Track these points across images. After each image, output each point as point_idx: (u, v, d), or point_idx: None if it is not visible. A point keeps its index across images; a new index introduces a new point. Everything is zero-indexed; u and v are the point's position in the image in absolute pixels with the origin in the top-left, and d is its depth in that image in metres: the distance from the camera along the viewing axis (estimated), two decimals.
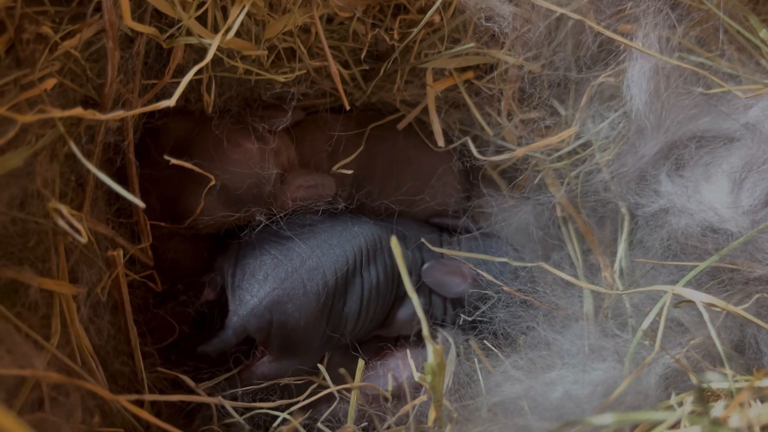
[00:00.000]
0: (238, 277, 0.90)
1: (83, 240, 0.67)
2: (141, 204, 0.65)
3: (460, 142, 1.04)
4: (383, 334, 1.03)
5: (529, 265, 0.95)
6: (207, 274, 0.93)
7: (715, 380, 0.69)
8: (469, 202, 1.10)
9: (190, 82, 0.77)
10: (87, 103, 0.75)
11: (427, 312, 1.03)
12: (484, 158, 0.99)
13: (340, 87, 0.89)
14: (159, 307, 0.93)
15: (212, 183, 0.86)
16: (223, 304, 0.91)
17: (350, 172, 1.00)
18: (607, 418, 0.57)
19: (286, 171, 0.95)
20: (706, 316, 0.75)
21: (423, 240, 1.00)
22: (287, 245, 0.93)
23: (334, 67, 0.89)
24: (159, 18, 0.75)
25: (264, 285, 0.88)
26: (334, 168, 1.00)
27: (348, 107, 0.92)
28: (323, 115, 1.03)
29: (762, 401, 0.70)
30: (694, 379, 0.79)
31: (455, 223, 1.07)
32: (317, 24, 0.87)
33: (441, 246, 1.03)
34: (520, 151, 0.97)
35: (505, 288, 0.96)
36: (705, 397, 0.70)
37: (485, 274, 0.97)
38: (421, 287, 1.02)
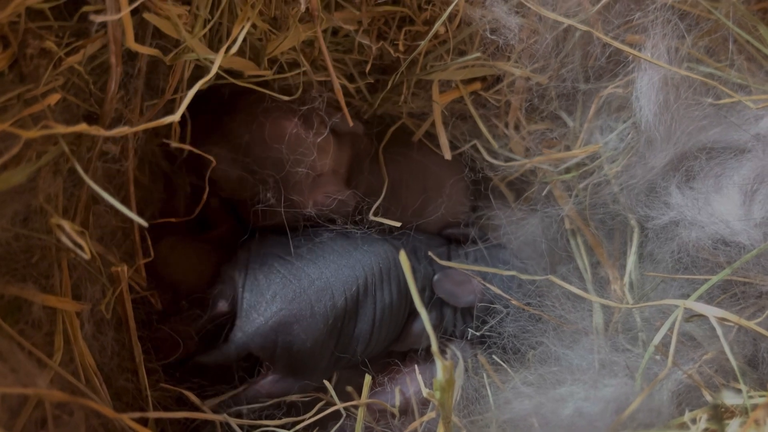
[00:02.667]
0: (247, 292, 0.89)
1: (86, 256, 0.66)
2: (143, 223, 0.64)
3: (468, 145, 1.03)
4: (395, 349, 1.01)
5: (537, 278, 0.94)
6: (216, 285, 0.92)
7: (729, 397, 0.68)
8: (475, 213, 1.09)
9: None
10: (91, 117, 0.75)
11: (439, 326, 1.02)
12: (496, 162, 0.99)
13: (342, 103, 0.89)
14: (163, 323, 0.92)
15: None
16: (233, 318, 0.90)
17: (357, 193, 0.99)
18: None
19: (321, 173, 0.95)
20: (719, 330, 0.73)
21: (430, 253, 0.99)
22: (296, 264, 0.92)
23: (337, 84, 0.88)
24: (160, 34, 0.75)
25: (271, 304, 0.88)
26: (371, 212, 0.99)
27: (351, 124, 0.92)
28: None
29: None
30: (707, 396, 0.78)
31: (465, 234, 1.06)
32: (320, 41, 0.86)
33: (450, 258, 1.02)
34: (538, 160, 0.97)
35: (514, 302, 0.95)
36: (720, 413, 0.68)
37: (495, 289, 0.96)
38: (432, 300, 1.01)
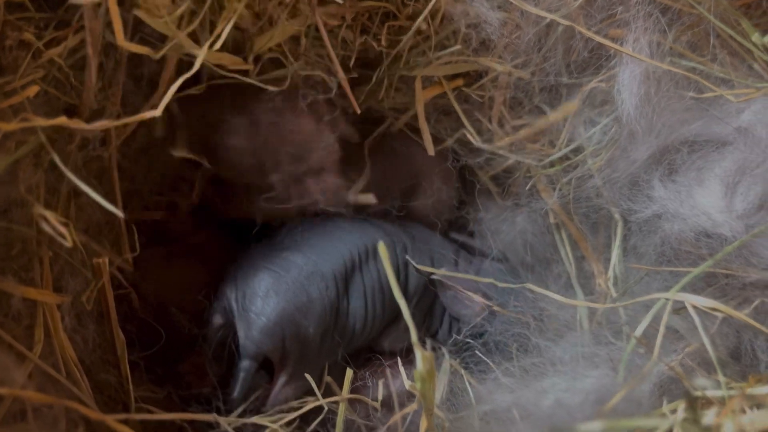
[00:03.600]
0: (241, 300, 0.89)
1: (68, 244, 0.66)
2: (120, 214, 0.64)
3: (453, 139, 1.03)
4: (384, 346, 1.01)
5: (515, 285, 0.93)
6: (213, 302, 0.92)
7: (708, 387, 0.68)
8: (461, 207, 1.09)
9: None
10: (71, 110, 0.75)
11: (425, 322, 1.03)
12: (484, 146, 0.99)
13: (347, 88, 0.89)
14: (189, 359, 0.92)
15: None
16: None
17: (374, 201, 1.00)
18: (596, 426, 0.55)
19: (325, 169, 0.95)
20: (697, 321, 0.73)
21: (417, 265, 0.99)
22: (282, 256, 0.93)
23: (341, 73, 0.89)
24: (142, 27, 0.75)
25: (268, 301, 0.87)
26: (352, 194, 0.99)
27: (359, 111, 0.92)
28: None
29: (758, 408, 0.69)
30: (689, 387, 0.78)
31: (474, 244, 1.06)
32: (322, 30, 0.87)
33: (457, 264, 1.03)
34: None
35: (503, 311, 0.95)
36: (696, 403, 0.68)
37: (498, 308, 0.96)
38: (424, 295, 1.01)
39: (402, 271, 1.00)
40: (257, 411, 0.85)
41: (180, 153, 0.88)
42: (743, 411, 0.69)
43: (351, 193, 1.00)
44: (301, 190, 0.95)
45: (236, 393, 0.85)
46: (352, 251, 0.95)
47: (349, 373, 0.83)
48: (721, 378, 0.69)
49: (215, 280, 0.98)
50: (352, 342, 0.96)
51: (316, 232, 0.97)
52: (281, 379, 0.88)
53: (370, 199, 0.99)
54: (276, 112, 0.91)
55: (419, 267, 0.97)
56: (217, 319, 0.88)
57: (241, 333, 0.86)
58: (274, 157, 0.92)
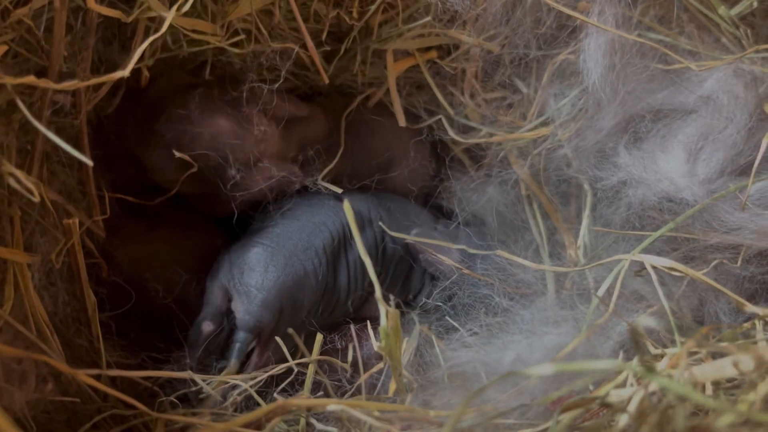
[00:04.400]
0: (238, 276, 0.90)
1: (36, 199, 0.67)
2: (89, 162, 0.65)
3: (433, 120, 1.05)
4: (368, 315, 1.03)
5: (487, 252, 0.95)
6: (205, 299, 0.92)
7: (647, 323, 0.69)
8: (435, 180, 1.11)
9: None
10: (43, 73, 0.76)
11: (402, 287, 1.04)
12: (461, 140, 1.01)
13: (317, 59, 0.91)
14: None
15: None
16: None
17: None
18: (547, 368, 0.57)
19: (263, 158, 0.95)
20: (655, 279, 0.75)
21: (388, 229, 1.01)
22: (275, 231, 0.95)
23: (310, 42, 0.91)
24: None
25: (267, 275, 0.89)
26: (321, 176, 1.00)
27: (327, 81, 0.94)
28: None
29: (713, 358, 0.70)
30: (650, 347, 0.79)
31: (451, 206, 1.08)
32: (292, 1, 0.89)
33: (436, 230, 1.04)
34: (510, 137, 0.99)
35: (472, 274, 0.97)
36: (640, 339, 0.69)
37: (467, 271, 0.98)
38: (401, 262, 1.04)
39: (380, 242, 1.02)
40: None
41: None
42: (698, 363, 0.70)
43: (319, 179, 1.01)
44: (248, 181, 0.94)
45: (231, 364, 0.85)
46: (337, 225, 0.97)
47: (319, 336, 0.84)
48: (675, 330, 0.70)
49: (196, 258, 0.99)
50: (334, 313, 0.98)
51: (305, 209, 0.98)
52: (267, 347, 0.89)
53: (336, 189, 0.99)
54: (186, 120, 0.90)
55: (393, 233, 0.99)
56: (207, 327, 0.88)
57: (240, 307, 0.87)
58: (204, 161, 0.91)
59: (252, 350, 0.89)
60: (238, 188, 0.92)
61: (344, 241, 0.98)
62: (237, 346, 0.86)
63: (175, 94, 0.91)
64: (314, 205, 0.99)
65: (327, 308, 0.96)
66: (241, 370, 0.88)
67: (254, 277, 0.89)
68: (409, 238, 0.99)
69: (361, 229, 0.99)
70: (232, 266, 0.91)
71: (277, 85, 0.92)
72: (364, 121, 1.06)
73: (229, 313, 0.89)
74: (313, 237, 0.94)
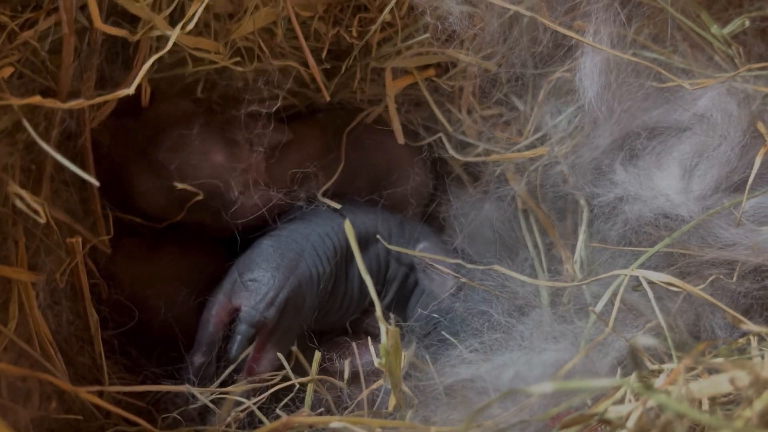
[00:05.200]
0: (246, 275, 0.91)
1: (42, 221, 0.68)
2: (90, 179, 0.66)
3: (433, 138, 1.06)
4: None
5: (482, 267, 0.96)
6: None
7: (648, 341, 0.70)
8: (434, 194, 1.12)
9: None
10: (47, 93, 0.77)
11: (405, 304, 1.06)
12: (460, 157, 1.02)
13: (318, 77, 0.92)
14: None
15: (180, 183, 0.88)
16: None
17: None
18: (547, 387, 0.57)
19: (249, 187, 0.97)
20: (651, 295, 0.76)
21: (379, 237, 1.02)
22: (283, 234, 0.97)
23: (312, 60, 0.92)
24: (115, 9, 0.78)
25: (277, 274, 0.90)
26: (320, 193, 1.02)
27: (328, 98, 0.96)
28: (297, 129, 1.04)
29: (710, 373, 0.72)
30: (647, 362, 0.80)
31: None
32: (293, 20, 0.90)
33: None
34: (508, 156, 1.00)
35: (478, 285, 0.98)
36: (639, 354, 0.70)
37: (467, 280, 0.99)
38: (405, 279, 1.05)
39: (384, 259, 1.03)
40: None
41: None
42: (694, 379, 0.71)
43: (319, 195, 1.03)
44: (246, 208, 0.96)
45: (233, 354, 0.87)
46: (341, 238, 0.99)
47: (318, 355, 0.85)
48: (672, 347, 0.71)
49: (199, 276, 1.00)
50: (326, 318, 0.99)
51: (308, 218, 1.01)
52: (269, 346, 0.90)
53: (335, 204, 1.01)
54: (188, 150, 0.91)
55: (397, 248, 1.00)
56: (198, 359, 0.89)
57: (246, 302, 0.89)
58: (204, 190, 0.92)
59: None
60: (236, 216, 0.94)
61: (348, 254, 0.99)
62: (239, 338, 0.88)
63: (178, 121, 0.91)
64: (320, 217, 1.01)
65: (321, 311, 0.98)
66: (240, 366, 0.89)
67: (262, 274, 0.90)
68: (414, 253, 1.00)
69: (365, 245, 1.00)
70: (238, 268, 0.93)
71: (265, 111, 0.94)
72: (367, 137, 1.07)
73: (231, 318, 0.90)
74: (318, 245, 0.96)
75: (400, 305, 1.06)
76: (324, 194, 1.03)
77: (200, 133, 0.91)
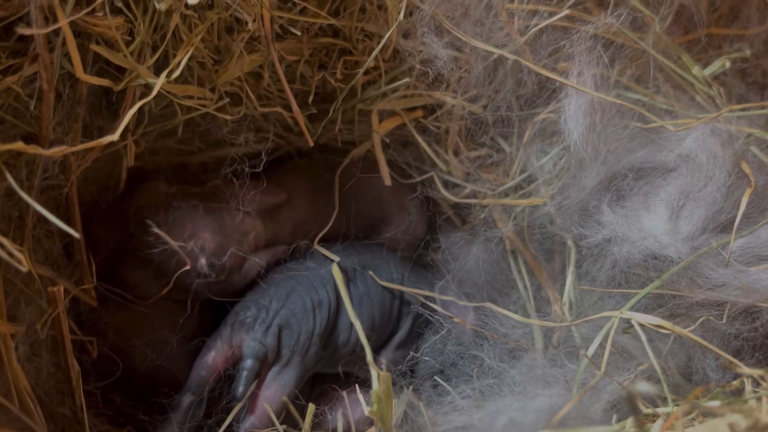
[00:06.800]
0: (242, 314, 0.91)
1: (24, 269, 0.66)
2: (76, 234, 0.65)
3: (425, 177, 1.06)
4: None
5: (474, 304, 0.96)
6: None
7: (653, 397, 0.70)
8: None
9: None
10: (30, 139, 0.76)
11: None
12: (452, 198, 1.02)
13: (302, 122, 0.92)
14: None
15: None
16: None
17: None
18: None
19: (249, 251, 0.96)
20: (643, 337, 0.75)
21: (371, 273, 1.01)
22: (288, 266, 0.99)
23: (295, 106, 0.92)
24: (98, 57, 0.77)
25: (270, 305, 0.92)
26: (315, 243, 1.01)
27: (312, 144, 0.96)
28: (283, 181, 1.03)
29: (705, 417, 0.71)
30: (641, 406, 0.79)
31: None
32: (277, 64, 0.90)
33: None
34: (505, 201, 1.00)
35: (463, 323, 0.97)
36: (636, 402, 0.69)
37: (472, 325, 0.98)
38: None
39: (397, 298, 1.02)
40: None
41: None
42: (690, 424, 0.71)
43: (315, 244, 1.02)
44: (237, 281, 0.96)
45: (240, 391, 0.87)
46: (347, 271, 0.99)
47: (311, 407, 0.83)
48: (667, 392, 0.71)
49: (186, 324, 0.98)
50: (335, 355, 0.97)
51: (309, 262, 1.01)
52: (269, 380, 0.90)
53: (334, 257, 1.00)
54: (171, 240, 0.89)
55: (412, 291, 1.00)
56: (187, 398, 0.88)
57: (246, 335, 0.89)
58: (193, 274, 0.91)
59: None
60: (229, 287, 0.94)
61: (349, 286, 0.99)
62: (245, 374, 0.88)
63: (157, 210, 0.90)
64: (316, 260, 1.01)
65: (327, 347, 0.96)
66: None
67: (256, 308, 0.91)
68: (432, 294, 1.00)
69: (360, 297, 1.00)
70: (235, 311, 0.93)
71: (250, 170, 0.93)
72: (358, 178, 1.06)
73: (226, 366, 0.90)
74: (314, 277, 0.96)
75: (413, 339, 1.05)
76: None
77: (184, 216, 0.90)
